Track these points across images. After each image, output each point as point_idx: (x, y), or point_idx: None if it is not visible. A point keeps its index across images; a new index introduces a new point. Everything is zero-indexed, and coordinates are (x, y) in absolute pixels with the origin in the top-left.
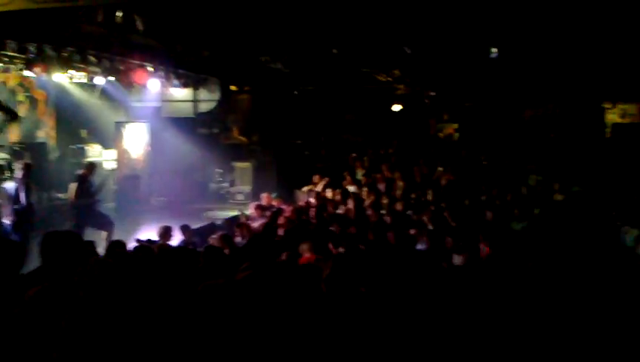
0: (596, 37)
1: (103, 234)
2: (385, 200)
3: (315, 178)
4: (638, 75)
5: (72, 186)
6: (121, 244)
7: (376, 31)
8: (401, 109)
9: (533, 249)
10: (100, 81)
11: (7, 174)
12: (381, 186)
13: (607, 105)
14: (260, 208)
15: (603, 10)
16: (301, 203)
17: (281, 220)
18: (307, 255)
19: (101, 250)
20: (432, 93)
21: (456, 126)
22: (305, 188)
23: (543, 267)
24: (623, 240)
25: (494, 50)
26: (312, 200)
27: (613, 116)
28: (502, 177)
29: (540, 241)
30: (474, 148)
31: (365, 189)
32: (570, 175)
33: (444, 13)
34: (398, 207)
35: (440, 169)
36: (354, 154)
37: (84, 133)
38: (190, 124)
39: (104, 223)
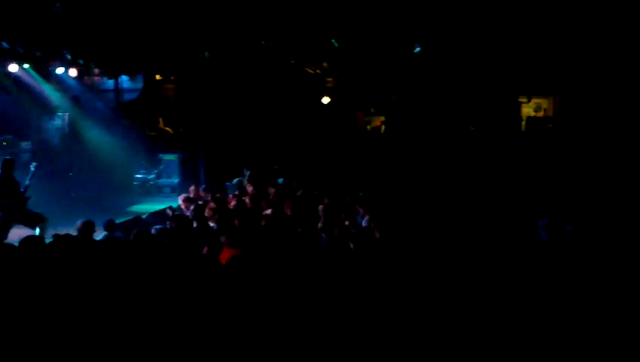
0: (512, 32)
1: (38, 231)
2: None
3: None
4: (551, 68)
5: None
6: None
7: (305, 23)
8: (330, 102)
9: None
10: (13, 68)
11: None
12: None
13: (522, 100)
14: (188, 200)
15: (519, 5)
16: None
17: (207, 212)
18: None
19: None
20: (360, 86)
21: (382, 118)
22: (235, 181)
23: (457, 263)
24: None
25: (417, 45)
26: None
27: (528, 110)
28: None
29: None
30: (400, 140)
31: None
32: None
33: (371, 7)
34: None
35: None
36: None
37: None
38: (112, 115)
39: (35, 220)
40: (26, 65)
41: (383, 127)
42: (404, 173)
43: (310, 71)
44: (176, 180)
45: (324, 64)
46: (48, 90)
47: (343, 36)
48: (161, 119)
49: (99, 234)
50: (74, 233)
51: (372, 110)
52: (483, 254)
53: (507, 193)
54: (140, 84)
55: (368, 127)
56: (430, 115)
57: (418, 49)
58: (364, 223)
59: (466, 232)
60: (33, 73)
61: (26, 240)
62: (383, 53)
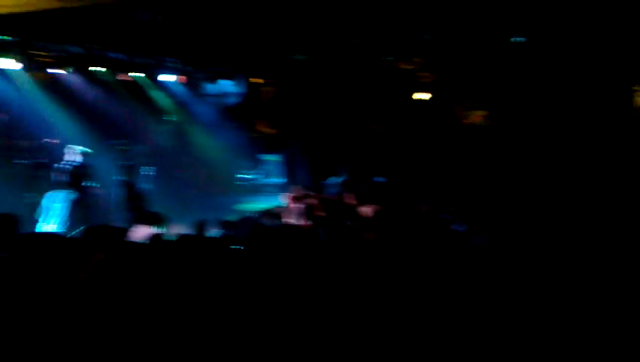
0: (626, 13)
1: (157, 229)
2: None
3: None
4: None
5: (119, 192)
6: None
7: (396, 19)
8: (425, 97)
9: None
10: (127, 78)
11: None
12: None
13: (637, 88)
14: (295, 199)
15: None
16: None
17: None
18: None
19: None
20: (457, 80)
21: (483, 113)
22: (332, 180)
23: None
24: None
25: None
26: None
27: None
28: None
29: None
30: (503, 135)
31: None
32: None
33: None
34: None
35: None
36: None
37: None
38: (218, 118)
39: (155, 219)
40: (139, 74)
41: (484, 122)
42: (509, 171)
43: (405, 67)
44: (277, 180)
45: (418, 59)
46: (158, 97)
47: (439, 29)
48: (262, 121)
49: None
50: (189, 231)
51: (471, 104)
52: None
53: (626, 196)
54: (241, 89)
55: (466, 121)
56: (537, 107)
57: (523, 38)
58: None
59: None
60: (145, 81)
61: (155, 238)
62: (483, 43)
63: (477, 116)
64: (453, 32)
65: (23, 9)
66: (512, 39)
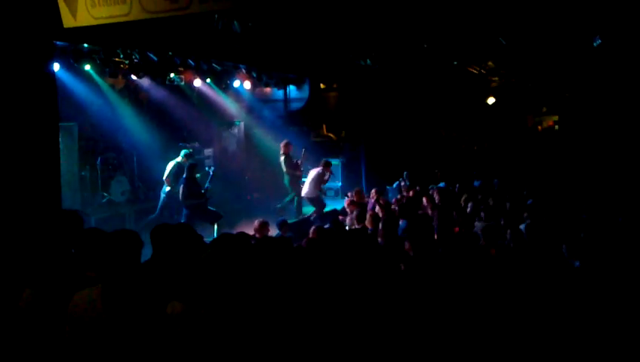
0: None
1: (215, 227)
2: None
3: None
4: None
5: (181, 189)
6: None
7: (468, 23)
8: (496, 102)
9: None
10: (197, 83)
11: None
12: (477, 183)
13: None
14: (354, 203)
15: None
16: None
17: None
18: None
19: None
20: (529, 85)
21: (556, 118)
22: (395, 185)
23: None
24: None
25: (598, 38)
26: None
27: None
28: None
29: None
30: (578, 141)
31: (457, 185)
32: None
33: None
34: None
35: None
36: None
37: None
38: (281, 123)
39: (214, 217)
40: (208, 80)
41: (557, 127)
42: (582, 176)
43: (474, 71)
44: (339, 184)
45: (490, 63)
46: (227, 102)
47: (510, 33)
48: (324, 125)
49: (272, 233)
50: (250, 231)
51: (544, 109)
52: None
53: None
54: (305, 94)
55: (539, 127)
56: (612, 113)
57: (599, 42)
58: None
59: None
60: (214, 87)
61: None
62: (556, 48)
63: (550, 121)
64: (529, 35)
65: (116, 20)
66: (595, 43)
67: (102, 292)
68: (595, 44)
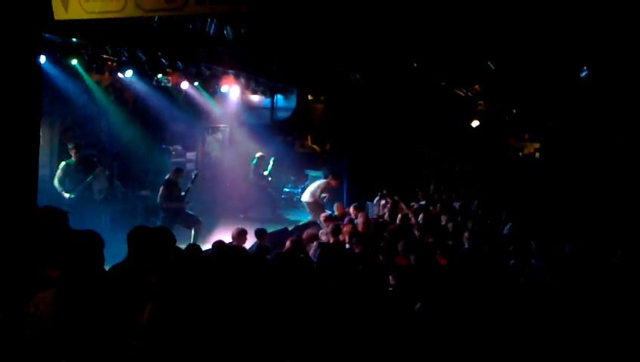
0: None
1: (193, 232)
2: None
3: (384, 190)
4: None
5: (161, 190)
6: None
7: (459, 45)
8: (480, 125)
9: None
10: (184, 85)
11: (98, 170)
12: (456, 204)
13: None
14: (329, 219)
15: None
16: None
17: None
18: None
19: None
20: (513, 111)
21: (537, 145)
22: (375, 201)
23: None
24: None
25: (585, 69)
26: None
27: None
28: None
29: None
30: (558, 169)
31: (438, 206)
32: None
33: (531, 28)
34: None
35: None
36: (426, 171)
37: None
38: (267, 131)
39: (192, 222)
40: (196, 83)
41: (538, 154)
42: (561, 203)
43: (461, 93)
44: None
45: (477, 87)
46: (213, 107)
47: (499, 58)
48: (310, 137)
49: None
50: (227, 239)
51: (526, 136)
52: None
53: None
54: (292, 103)
55: (521, 153)
56: (594, 144)
57: (586, 73)
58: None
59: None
60: (202, 90)
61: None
62: (543, 76)
63: (531, 148)
64: (517, 62)
65: (109, 16)
66: (582, 74)
67: (55, 294)
68: (581, 75)
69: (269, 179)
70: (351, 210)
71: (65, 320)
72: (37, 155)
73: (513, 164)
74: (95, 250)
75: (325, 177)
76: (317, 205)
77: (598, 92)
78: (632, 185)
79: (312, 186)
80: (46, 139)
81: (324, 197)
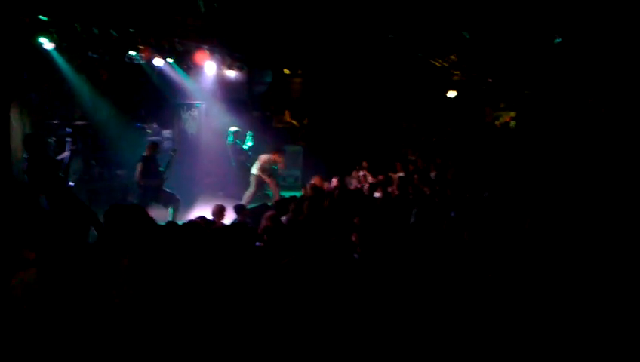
0: None
1: (169, 210)
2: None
3: (364, 163)
4: None
5: (138, 166)
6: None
7: (434, 15)
8: (457, 96)
9: None
10: (158, 62)
11: (72, 147)
12: (432, 174)
13: None
14: (312, 189)
15: None
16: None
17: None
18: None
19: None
20: (489, 80)
21: (513, 114)
22: (354, 173)
23: None
24: None
25: (558, 36)
26: (359, 184)
27: None
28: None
29: None
30: (533, 138)
31: (415, 176)
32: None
33: None
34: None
35: None
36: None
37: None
38: (244, 107)
39: (170, 200)
40: (169, 59)
41: (513, 123)
42: (537, 172)
43: (437, 64)
44: (298, 171)
45: (452, 57)
46: (188, 83)
47: (474, 27)
48: (287, 111)
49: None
50: (207, 215)
51: (502, 105)
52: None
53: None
54: (269, 78)
55: (497, 122)
56: (568, 111)
57: (559, 40)
58: None
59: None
60: (176, 67)
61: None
62: (517, 45)
63: (507, 117)
64: (492, 31)
65: None
66: (555, 40)
67: (38, 275)
68: (555, 42)
69: (249, 154)
70: (334, 180)
71: (48, 301)
72: (8, 136)
73: (488, 134)
74: (77, 232)
75: (304, 151)
76: (259, 179)
77: (572, 58)
78: (604, 150)
79: (259, 160)
80: (16, 120)
81: (275, 169)
